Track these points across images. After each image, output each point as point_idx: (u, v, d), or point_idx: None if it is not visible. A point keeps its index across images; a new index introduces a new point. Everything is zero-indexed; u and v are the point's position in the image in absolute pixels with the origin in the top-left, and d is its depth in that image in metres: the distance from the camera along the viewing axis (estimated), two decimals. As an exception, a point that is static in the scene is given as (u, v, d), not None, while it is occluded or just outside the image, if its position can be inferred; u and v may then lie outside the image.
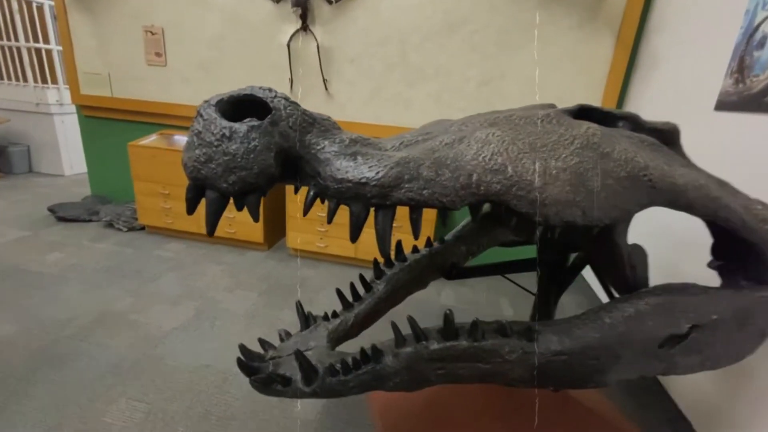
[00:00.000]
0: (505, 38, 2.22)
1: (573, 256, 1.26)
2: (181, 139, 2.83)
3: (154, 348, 1.63)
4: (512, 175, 0.76)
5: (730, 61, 1.41)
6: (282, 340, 1.10)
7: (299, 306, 1.11)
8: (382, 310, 1.24)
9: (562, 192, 0.77)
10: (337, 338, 1.12)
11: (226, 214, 2.53)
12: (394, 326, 0.92)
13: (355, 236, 0.79)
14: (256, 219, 0.79)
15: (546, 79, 2.25)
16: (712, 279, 0.99)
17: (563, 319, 0.92)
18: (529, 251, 1.24)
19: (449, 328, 0.89)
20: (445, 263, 1.39)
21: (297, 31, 2.40)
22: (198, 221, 2.63)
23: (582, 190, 0.78)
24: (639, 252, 0.98)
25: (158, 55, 2.64)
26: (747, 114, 1.29)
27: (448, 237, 1.41)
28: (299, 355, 0.89)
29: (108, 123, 2.98)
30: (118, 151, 3.01)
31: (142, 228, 2.84)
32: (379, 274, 1.28)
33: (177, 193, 2.60)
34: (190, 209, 0.80)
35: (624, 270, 0.91)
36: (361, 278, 1.27)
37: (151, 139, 2.70)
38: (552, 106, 1.13)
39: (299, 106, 0.77)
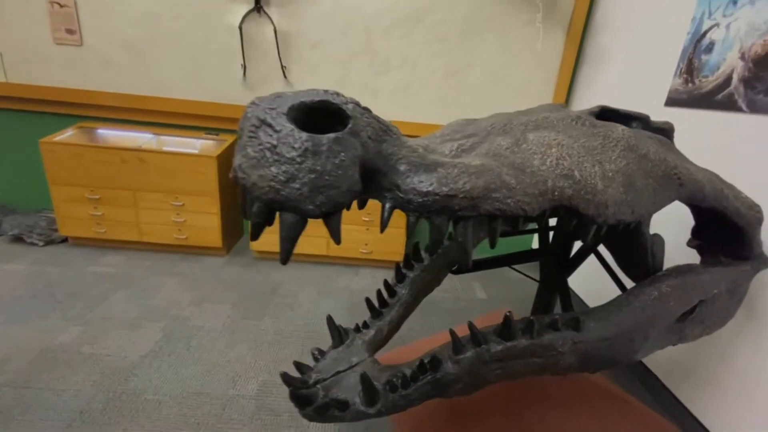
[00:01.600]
0: (469, 28, 2.27)
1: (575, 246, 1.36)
2: (108, 133, 2.41)
3: (126, 382, 1.40)
4: (580, 179, 0.78)
5: (679, 62, 1.61)
6: (316, 360, 1.01)
7: (331, 321, 1.03)
8: (409, 313, 1.22)
9: (617, 193, 0.81)
10: (374, 349, 1.07)
11: (174, 218, 2.25)
12: (452, 332, 0.90)
13: (436, 249, 0.75)
14: (338, 241, 0.71)
15: (507, 71, 2.35)
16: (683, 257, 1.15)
17: (599, 307, 0.99)
18: (529, 242, 1.31)
19: (509, 328, 0.89)
20: (455, 259, 1.40)
21: (249, 12, 2.16)
22: (139, 227, 2.29)
23: (631, 189, 0.84)
24: (659, 241, 1.10)
25: (70, 32, 2.17)
26: (697, 110, 1.50)
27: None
28: (365, 379, 0.83)
29: (6, 115, 2.40)
30: (23, 149, 2.46)
31: (64, 240, 2.38)
32: (401, 278, 1.25)
33: (110, 197, 2.22)
34: (257, 234, 0.69)
35: (647, 257, 1.02)
36: (386, 284, 1.22)
37: (68, 134, 2.25)
38: (563, 105, 1.19)
39: (372, 112, 0.70)
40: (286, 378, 0.89)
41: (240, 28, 2.17)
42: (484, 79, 2.37)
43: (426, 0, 2.20)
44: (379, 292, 1.19)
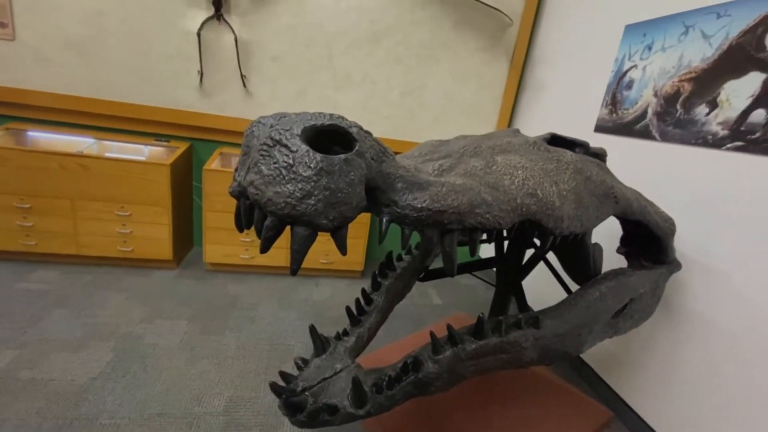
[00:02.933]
0: (424, 52, 2.42)
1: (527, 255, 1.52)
2: (40, 135, 2.19)
3: (76, 407, 1.30)
4: (542, 197, 0.91)
5: (605, 95, 1.88)
6: (300, 368, 1.04)
7: (314, 330, 1.06)
8: (384, 319, 1.28)
9: (570, 209, 0.96)
10: (356, 355, 1.12)
11: (119, 229, 2.10)
12: (433, 335, 0.98)
13: (426, 258, 0.83)
14: (345, 252, 0.76)
15: (457, 93, 2.55)
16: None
17: (552, 307, 1.13)
18: (488, 251, 1.45)
19: (481, 328, 0.99)
20: (422, 267, 1.50)
21: (209, 19, 2.12)
22: (76, 239, 2.10)
23: (580, 206, 0.99)
24: (599, 249, 1.27)
25: (2, 25, 1.96)
26: (621, 137, 1.77)
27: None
28: (357, 382, 0.88)
29: None
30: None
31: (-18, 254, 2.11)
32: (377, 286, 1.31)
33: (43, 206, 2.02)
34: (267, 247, 0.72)
35: (590, 263, 1.19)
36: (363, 292, 1.27)
37: (-9, 136, 2.01)
38: (516, 131, 1.35)
39: (372, 135, 0.77)
40: (275, 388, 0.92)
41: (198, 34, 2.12)
42: (437, 99, 2.54)
43: (385, 23, 2.33)
44: (357, 301, 1.25)
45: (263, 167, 0.68)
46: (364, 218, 2.35)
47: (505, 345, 1.01)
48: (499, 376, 1.60)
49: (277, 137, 0.68)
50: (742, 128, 1.27)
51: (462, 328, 1.03)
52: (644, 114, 1.65)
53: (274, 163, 0.67)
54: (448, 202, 0.78)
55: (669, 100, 1.54)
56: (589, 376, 1.80)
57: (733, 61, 1.31)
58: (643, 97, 1.66)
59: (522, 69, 2.56)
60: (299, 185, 0.65)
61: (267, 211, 0.68)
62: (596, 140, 1.92)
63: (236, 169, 0.78)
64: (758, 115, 1.23)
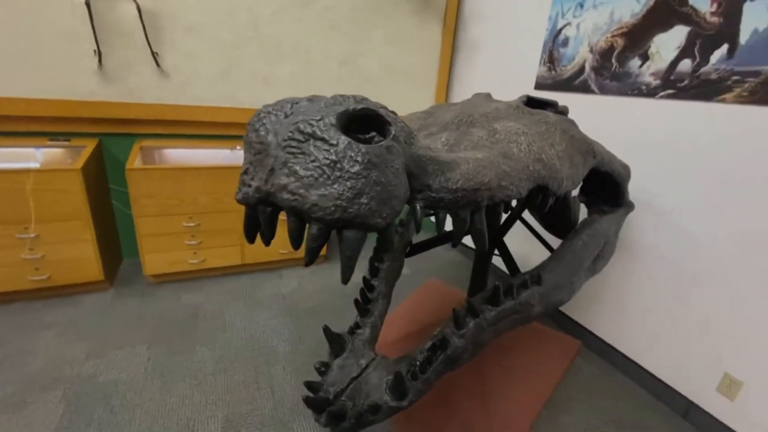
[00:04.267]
0: (358, 17, 2.28)
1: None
2: None
3: (41, 479, 1.08)
4: (546, 161, 0.94)
5: (542, 53, 1.98)
6: (322, 373, 0.98)
7: (329, 331, 1.00)
8: (389, 303, 1.25)
9: (566, 169, 1.01)
10: (374, 346, 1.08)
11: (25, 254, 1.72)
12: (455, 311, 0.98)
13: (459, 239, 0.81)
14: (392, 248, 0.69)
15: (396, 59, 2.47)
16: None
17: (545, 261, 1.20)
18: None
19: (497, 295, 1.02)
20: (407, 243, 1.48)
21: (98, -16, 1.72)
22: (-34, 278, 1.67)
23: (572, 165, 1.04)
24: (576, 202, 1.37)
25: None
26: (561, 92, 1.89)
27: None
28: (399, 376, 0.85)
29: None
30: None
31: None
32: (375, 271, 1.26)
33: None
34: (313, 259, 0.63)
35: (571, 217, 1.27)
36: (365, 281, 1.22)
37: None
38: (489, 95, 1.35)
39: (397, 115, 0.70)
40: (310, 402, 0.85)
41: (88, 5, 1.71)
42: (377, 67, 2.44)
43: (313, -16, 2.12)
44: (362, 291, 1.19)
45: (298, 168, 0.58)
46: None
47: (518, 306, 1.06)
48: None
49: (309, 130, 0.57)
50: (672, 77, 1.43)
51: (477, 298, 1.05)
52: (582, 69, 1.77)
53: (313, 161, 0.57)
54: (479, 179, 0.76)
55: (604, 55, 1.66)
56: (555, 315, 2.01)
57: (660, 15, 1.45)
58: (580, 54, 1.77)
59: (454, 30, 2.56)
60: (348, 184, 0.57)
61: (312, 218, 0.59)
62: (538, 96, 2.03)
63: (245, 172, 0.66)
64: (685, 65, 1.39)
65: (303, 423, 1.33)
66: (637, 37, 1.53)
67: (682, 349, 1.48)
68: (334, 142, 0.56)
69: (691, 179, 1.41)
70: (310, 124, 0.57)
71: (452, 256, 2.72)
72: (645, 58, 1.51)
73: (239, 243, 2.13)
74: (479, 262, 1.63)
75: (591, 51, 1.71)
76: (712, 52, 1.30)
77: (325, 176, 0.56)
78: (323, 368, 0.98)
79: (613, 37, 1.62)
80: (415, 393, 0.91)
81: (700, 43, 1.33)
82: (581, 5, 1.74)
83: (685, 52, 1.38)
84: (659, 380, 1.55)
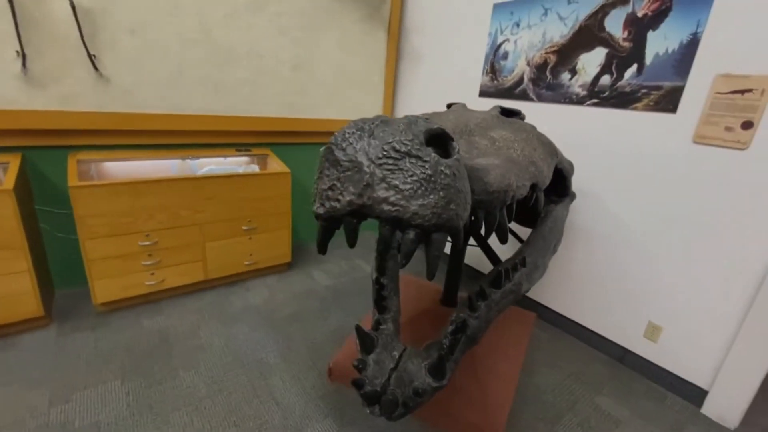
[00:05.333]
0: (310, 23, 2.30)
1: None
2: None
3: None
4: (537, 164, 1.13)
5: (484, 64, 2.23)
6: (361, 370, 1.05)
7: (361, 329, 1.07)
8: (399, 297, 1.34)
9: (546, 170, 1.21)
10: (400, 338, 1.17)
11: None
12: (469, 296, 1.13)
13: (489, 235, 0.94)
14: (460, 247, 0.78)
15: (347, 65, 2.54)
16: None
17: (523, 246, 1.41)
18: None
19: (500, 279, 1.19)
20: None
21: (19, -25, 1.48)
22: None
23: (548, 166, 1.25)
24: (542, 194, 1.59)
25: None
26: (503, 100, 2.16)
27: None
28: (442, 358, 0.96)
29: None
30: None
31: None
32: (382, 270, 1.34)
33: None
34: (410, 259, 0.70)
35: (540, 208, 1.50)
36: (377, 281, 1.29)
37: None
38: (464, 105, 1.52)
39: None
40: (367, 395, 0.93)
41: (10, 1, 1.46)
42: (328, 73, 2.48)
43: (264, -12, 2.09)
44: (377, 291, 1.27)
45: (397, 182, 0.65)
46: (285, 207, 2.21)
47: (513, 286, 1.24)
48: (443, 315, 1.87)
49: (404, 149, 0.66)
50: (596, 89, 1.76)
51: (483, 282, 1.20)
52: (521, 80, 2.05)
53: (411, 176, 0.65)
54: (506, 182, 0.90)
55: (540, 69, 1.96)
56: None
57: (584, 38, 1.77)
58: (518, 66, 2.05)
59: (398, 39, 2.71)
60: (441, 193, 0.66)
61: (412, 225, 0.67)
62: (482, 103, 2.29)
63: (329, 188, 0.70)
64: (605, 79, 1.72)
65: (317, 426, 1.36)
66: (566, 54, 1.84)
67: (615, 308, 1.83)
68: (428, 158, 0.65)
69: (613, 171, 1.76)
70: (404, 144, 0.65)
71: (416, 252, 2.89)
72: (573, 72, 1.83)
73: (201, 258, 2.01)
74: (454, 257, 1.80)
75: (528, 64, 2.00)
76: (625, 70, 1.65)
77: (422, 188, 0.65)
78: (361, 365, 1.05)
79: (546, 53, 1.92)
80: (450, 371, 1.03)
81: (616, 63, 1.67)
82: (518, 24, 2.02)
83: (604, 69, 1.72)
84: (600, 336, 1.90)
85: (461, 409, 1.39)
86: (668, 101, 1.54)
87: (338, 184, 0.69)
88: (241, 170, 2.17)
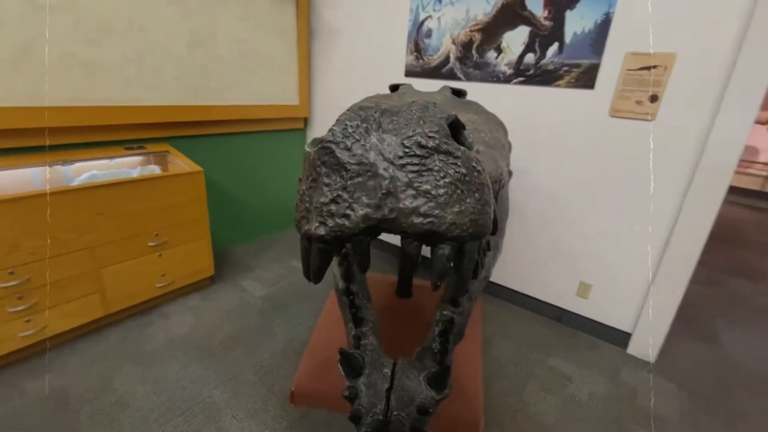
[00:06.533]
0: (203, -9, 1.92)
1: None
2: None
3: None
4: (504, 145, 1.09)
5: (408, 43, 2.14)
6: (353, 398, 0.92)
7: (345, 353, 0.93)
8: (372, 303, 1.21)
9: (506, 152, 1.19)
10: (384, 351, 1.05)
11: None
12: (452, 294, 1.06)
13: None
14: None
15: (254, 42, 2.21)
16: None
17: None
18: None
19: (476, 269, 1.14)
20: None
21: None
22: None
23: (510, 148, 1.23)
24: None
25: None
26: (431, 79, 2.11)
27: None
28: (446, 368, 0.88)
29: None
30: None
31: None
32: (349, 278, 1.18)
33: None
34: (442, 281, 0.58)
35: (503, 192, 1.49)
36: (347, 291, 1.14)
37: None
38: (411, 86, 1.41)
39: None
40: (371, 428, 0.81)
41: None
42: (234, 51, 2.13)
43: (140, -58, 1.65)
44: (351, 302, 1.12)
45: (428, 186, 0.52)
46: (201, 212, 1.87)
47: (486, 273, 1.22)
48: (404, 308, 1.83)
49: (432, 144, 0.53)
50: (521, 67, 1.81)
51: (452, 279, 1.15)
52: (447, 59, 2.02)
53: (443, 177, 0.53)
54: (501, 170, 0.84)
55: (465, 47, 1.94)
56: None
57: (507, 16, 1.79)
58: (444, 45, 2.01)
59: (308, 13, 2.45)
60: (476, 195, 0.56)
61: (448, 238, 0.54)
62: (409, 82, 2.20)
63: (333, 200, 0.54)
64: (529, 57, 1.78)
65: (292, 463, 1.19)
66: (490, 33, 1.85)
67: (550, 273, 1.98)
68: (458, 154, 0.53)
69: (541, 146, 1.85)
70: (431, 138, 0.52)
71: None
72: (499, 51, 1.85)
73: (97, 289, 1.59)
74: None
75: (454, 43, 1.97)
76: (548, 48, 1.72)
77: (458, 191, 0.53)
78: (352, 394, 0.91)
79: (471, 31, 1.91)
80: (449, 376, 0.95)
81: (539, 41, 1.73)
82: (440, 0, 1.96)
83: (528, 47, 1.77)
84: (539, 300, 2.05)
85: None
86: (587, 78, 1.65)
87: (345, 195, 0.53)
88: (135, 173, 1.75)
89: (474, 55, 1.93)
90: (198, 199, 1.85)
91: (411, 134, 0.52)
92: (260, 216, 2.69)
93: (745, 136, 1.39)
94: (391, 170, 0.51)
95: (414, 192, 0.52)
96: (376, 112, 0.54)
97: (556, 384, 1.59)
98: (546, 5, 1.68)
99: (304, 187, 0.56)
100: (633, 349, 1.80)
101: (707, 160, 1.47)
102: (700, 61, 1.42)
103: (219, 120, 2.18)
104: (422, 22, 2.06)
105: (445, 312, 1.04)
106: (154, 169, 1.83)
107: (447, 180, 0.52)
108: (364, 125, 0.53)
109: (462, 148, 0.54)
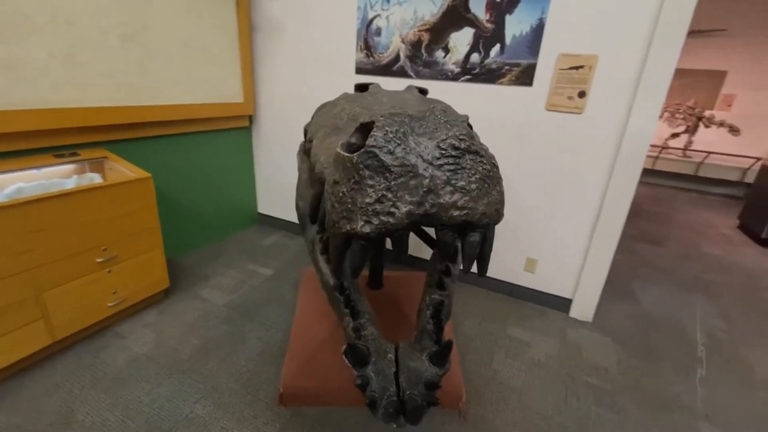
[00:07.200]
0: (134, -20, 1.75)
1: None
2: None
3: None
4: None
5: (357, 40, 2.17)
6: (365, 386, 0.98)
7: (352, 344, 0.98)
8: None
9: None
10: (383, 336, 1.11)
11: None
12: (440, 277, 1.16)
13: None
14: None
15: (192, 35, 2.07)
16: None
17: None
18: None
19: (456, 253, 1.25)
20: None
21: None
22: None
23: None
24: None
25: None
26: (382, 77, 2.17)
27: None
28: (449, 344, 0.97)
29: None
30: None
31: None
32: (340, 273, 1.21)
33: None
34: (471, 264, 0.65)
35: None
36: (340, 287, 1.17)
37: None
38: (378, 85, 1.47)
39: None
40: (388, 415, 0.88)
41: None
42: (173, 46, 1.98)
43: None
44: (346, 297, 1.16)
45: (463, 183, 0.59)
46: (152, 221, 1.74)
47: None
48: (378, 299, 1.91)
49: (464, 145, 0.60)
50: (468, 66, 1.95)
51: (437, 261, 1.24)
52: (398, 57, 2.10)
53: (474, 174, 0.60)
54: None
55: (415, 46, 2.04)
56: (410, 260, 2.44)
57: (452, 18, 1.92)
58: (393, 43, 2.08)
59: (248, 6, 2.36)
60: (498, 188, 0.64)
61: (479, 226, 0.61)
62: (360, 80, 2.25)
63: (378, 201, 0.58)
64: (475, 57, 1.93)
65: (293, 461, 1.20)
66: (438, 33, 1.97)
67: (501, 253, 2.19)
68: (483, 153, 0.60)
69: (488, 138, 2.03)
70: (462, 140, 0.58)
71: (297, 245, 2.72)
72: (446, 50, 1.97)
73: (40, 315, 1.42)
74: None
75: (403, 42, 2.05)
76: (491, 49, 1.88)
77: (486, 186, 0.60)
78: (363, 382, 0.97)
79: (419, 31, 2.00)
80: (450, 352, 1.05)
81: (482, 42, 1.88)
82: (388, 0, 2.03)
83: (473, 48, 1.91)
84: (493, 278, 2.25)
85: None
86: (526, 76, 1.85)
87: (389, 195, 0.58)
88: (71, 183, 1.58)
89: (423, 54, 2.03)
90: (148, 207, 1.72)
91: (445, 137, 0.59)
92: (209, 220, 2.55)
93: (654, 126, 1.68)
94: (430, 170, 0.57)
95: (452, 188, 0.59)
96: (406, 118, 0.60)
97: (517, 350, 1.79)
98: (488, 9, 1.83)
99: (344, 189, 0.60)
100: (574, 312, 2.08)
101: (625, 147, 1.74)
102: (617, 61, 1.67)
103: (160, 121, 2.03)
104: (371, 21, 2.11)
105: (434, 296, 1.13)
106: (94, 178, 1.66)
107: (477, 176, 0.60)
108: (402, 130, 0.58)
109: (484, 147, 0.62)
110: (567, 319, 2.07)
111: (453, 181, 0.59)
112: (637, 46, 1.63)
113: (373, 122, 0.62)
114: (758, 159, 4.95)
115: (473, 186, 0.61)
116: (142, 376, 1.47)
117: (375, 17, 2.09)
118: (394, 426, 0.87)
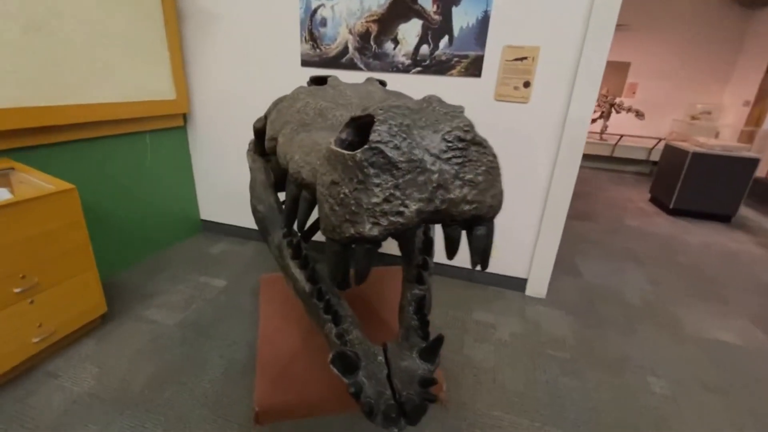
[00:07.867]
0: (33, -42, 1.49)
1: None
2: None
3: None
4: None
5: (301, 31, 2.06)
6: (359, 394, 0.94)
7: (340, 352, 0.93)
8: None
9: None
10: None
11: None
12: (420, 272, 1.16)
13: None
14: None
15: (109, 24, 1.81)
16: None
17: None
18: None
19: (432, 246, 1.25)
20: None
21: None
22: None
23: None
24: None
25: None
26: (330, 69, 2.09)
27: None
28: (440, 339, 0.96)
29: None
30: None
31: None
32: (315, 280, 1.14)
33: None
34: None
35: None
36: (317, 292, 1.10)
37: None
38: (336, 77, 1.40)
39: None
40: (386, 415, 0.86)
41: None
42: (84, 35, 1.72)
43: None
44: (325, 303, 1.10)
45: (471, 176, 0.57)
46: (81, 239, 1.51)
47: (434, 247, 1.33)
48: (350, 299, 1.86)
49: (468, 137, 0.57)
50: (418, 58, 1.95)
51: (418, 255, 1.23)
52: (346, 49, 2.03)
53: (480, 166, 0.58)
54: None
55: (363, 38, 1.99)
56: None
57: (400, 9, 1.90)
58: (341, 35, 2.01)
59: (171, -7, 2.13)
60: (499, 179, 0.63)
61: (486, 219, 0.60)
62: (306, 74, 2.15)
63: (385, 200, 0.54)
64: (424, 49, 1.93)
65: (280, 482, 1.13)
66: (386, 24, 1.94)
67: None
68: (486, 144, 0.59)
69: (442, 129, 2.05)
70: (465, 131, 0.56)
71: (249, 251, 2.56)
72: (396, 42, 1.95)
73: (-56, 365, 1.17)
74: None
75: (351, 33, 1.99)
76: (440, 41, 1.89)
77: (491, 178, 0.59)
78: (357, 389, 0.93)
79: (367, 22, 1.95)
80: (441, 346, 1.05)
81: (431, 34, 1.89)
82: (332, -10, 1.95)
83: (422, 39, 1.91)
84: (452, 266, 2.30)
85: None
86: (474, 68, 1.89)
87: (397, 193, 0.54)
88: (-30, 202, 1.31)
89: (372, 45, 1.99)
90: (74, 223, 1.49)
91: (450, 129, 0.56)
92: (147, 232, 2.30)
93: (590, 113, 1.81)
94: (438, 164, 0.55)
95: (461, 182, 0.56)
96: (407, 110, 0.56)
97: (484, 333, 1.85)
98: (435, 0, 1.84)
99: (346, 190, 0.55)
100: (530, 290, 2.20)
101: (567, 133, 1.87)
102: (557, 52, 1.78)
103: (78, 123, 1.76)
104: (315, 10, 2.01)
105: (414, 291, 1.12)
106: (2, 193, 1.39)
107: (483, 168, 0.58)
108: (407, 123, 0.54)
109: (484, 137, 0.61)
110: (524, 297, 2.19)
111: (461, 175, 0.57)
112: (574, 38, 1.74)
113: (368, 116, 0.58)
114: (660, 139, 5.65)
115: (480, 178, 0.59)
116: (88, 418, 1.28)
117: (319, 7, 2.00)
118: (395, 431, 0.84)
